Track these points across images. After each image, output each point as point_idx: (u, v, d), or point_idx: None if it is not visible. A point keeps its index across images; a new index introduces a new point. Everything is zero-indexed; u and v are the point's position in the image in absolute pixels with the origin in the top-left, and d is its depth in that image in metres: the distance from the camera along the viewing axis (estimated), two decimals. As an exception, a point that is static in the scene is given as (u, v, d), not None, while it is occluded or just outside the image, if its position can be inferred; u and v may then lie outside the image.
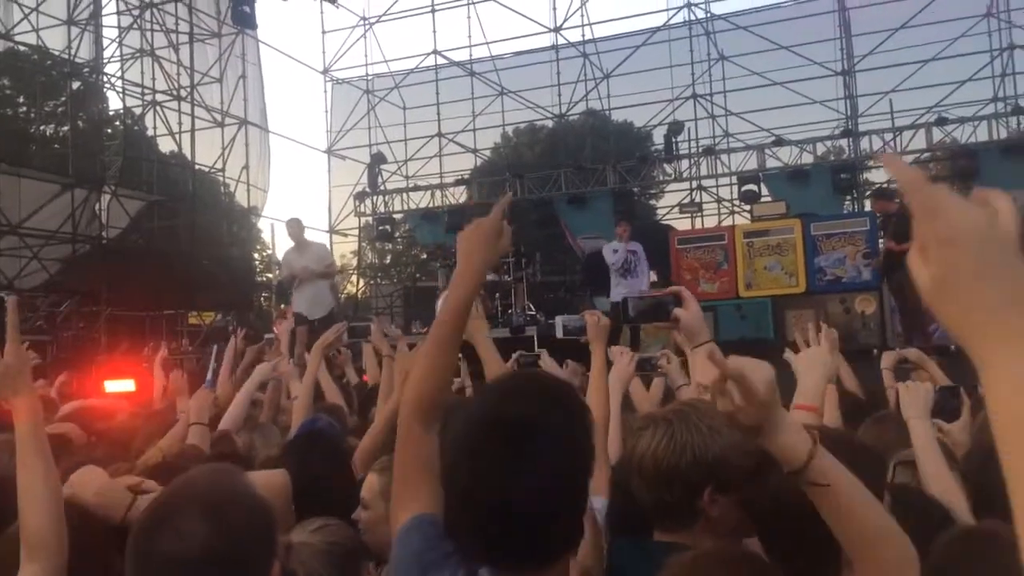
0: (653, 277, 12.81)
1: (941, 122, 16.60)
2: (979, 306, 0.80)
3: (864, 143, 17.67)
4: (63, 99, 17.75)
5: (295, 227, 10.39)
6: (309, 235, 11.26)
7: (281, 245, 24.33)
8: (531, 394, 1.50)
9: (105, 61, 17.42)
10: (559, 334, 3.40)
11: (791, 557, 1.60)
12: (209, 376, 5.88)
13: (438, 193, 20.46)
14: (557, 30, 20.49)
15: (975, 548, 1.68)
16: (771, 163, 17.42)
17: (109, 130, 18.95)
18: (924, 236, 0.84)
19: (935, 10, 17.16)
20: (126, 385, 7.34)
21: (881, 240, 10.72)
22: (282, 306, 11.87)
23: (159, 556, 1.45)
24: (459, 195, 20.41)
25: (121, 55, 17.99)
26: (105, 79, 17.71)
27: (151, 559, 1.46)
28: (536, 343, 10.83)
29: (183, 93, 17.41)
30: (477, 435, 1.45)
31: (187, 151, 17.56)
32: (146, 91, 17.66)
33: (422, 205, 20.41)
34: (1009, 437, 0.77)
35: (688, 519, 1.83)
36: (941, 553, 1.67)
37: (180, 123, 17.58)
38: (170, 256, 16.46)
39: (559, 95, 20.42)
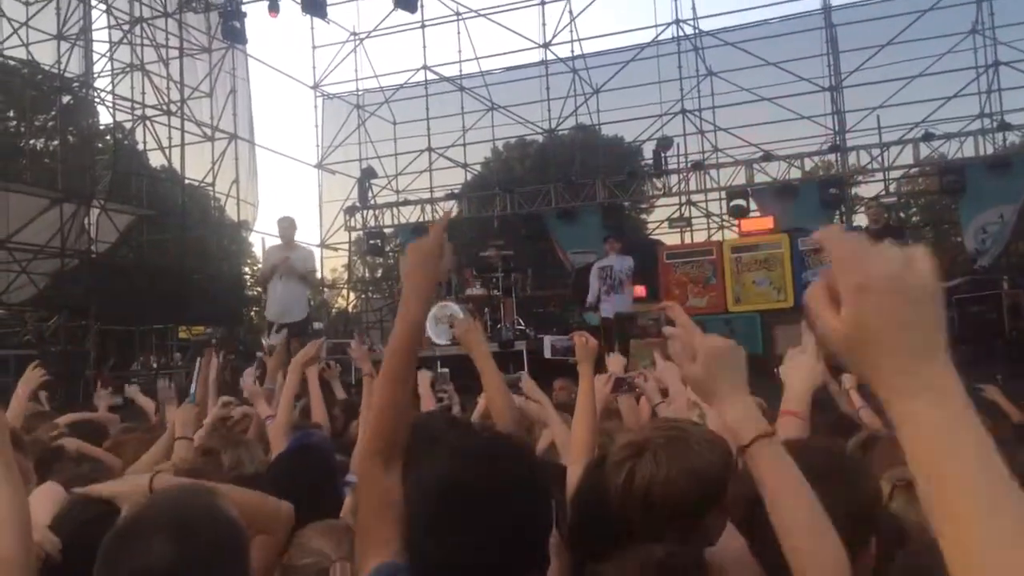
0: (642, 292, 12.83)
1: (928, 138, 16.72)
2: (891, 357, 0.81)
3: (852, 158, 17.77)
4: (53, 113, 17.73)
5: (287, 226, 10.29)
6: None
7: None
8: (487, 458, 1.51)
9: (95, 76, 17.45)
10: (547, 354, 3.40)
11: (775, 563, 1.61)
12: (192, 390, 5.86)
13: (428, 207, 20.49)
14: (546, 46, 20.59)
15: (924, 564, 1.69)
16: (759, 178, 17.50)
17: (99, 144, 18.92)
18: (840, 285, 0.84)
19: (921, 27, 17.32)
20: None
21: None
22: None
23: (125, 571, 1.45)
24: (449, 210, 20.43)
25: (111, 70, 18.02)
26: (95, 94, 17.73)
27: (117, 571, 1.46)
28: (525, 358, 10.85)
29: (173, 108, 17.44)
30: (434, 502, 1.46)
31: (177, 166, 17.58)
32: (136, 106, 17.67)
33: (412, 219, 20.43)
34: (930, 488, 0.78)
35: (686, 537, 1.83)
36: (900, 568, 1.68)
37: (170, 138, 17.61)
38: (160, 271, 16.44)
39: (548, 110, 20.50)
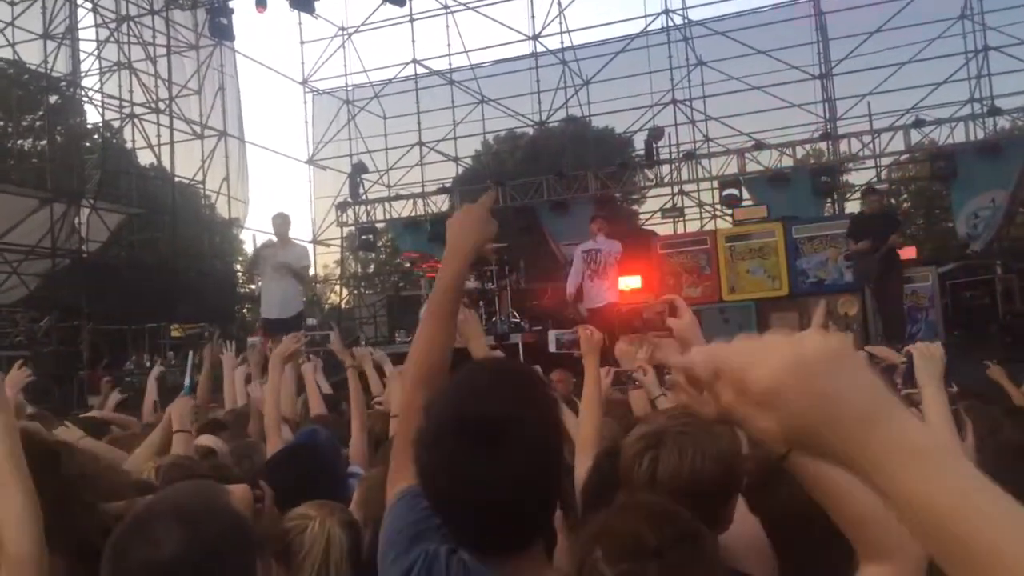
0: (637, 284, 12.81)
1: (919, 124, 16.72)
2: (840, 438, 0.77)
3: (843, 146, 17.78)
4: (40, 113, 17.63)
5: (281, 222, 10.29)
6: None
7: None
8: (499, 390, 1.50)
9: (82, 74, 17.35)
10: (552, 348, 3.39)
11: (804, 561, 1.60)
12: (187, 383, 5.84)
13: (420, 202, 20.44)
14: (536, 38, 20.54)
15: None
16: (751, 167, 17.49)
17: (87, 143, 18.83)
18: (743, 407, 0.81)
19: (910, 13, 17.31)
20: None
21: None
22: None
23: (132, 562, 1.47)
24: (441, 203, 20.37)
25: (99, 68, 17.93)
26: (82, 93, 17.63)
27: (124, 565, 1.48)
28: (521, 351, 10.83)
29: (161, 106, 17.36)
30: (447, 435, 1.45)
31: (166, 163, 17.50)
32: (124, 104, 17.57)
33: (404, 214, 20.37)
34: (930, 536, 0.75)
35: (709, 524, 1.81)
36: None
37: (159, 136, 17.53)
38: (151, 269, 16.38)
39: (539, 102, 20.46)
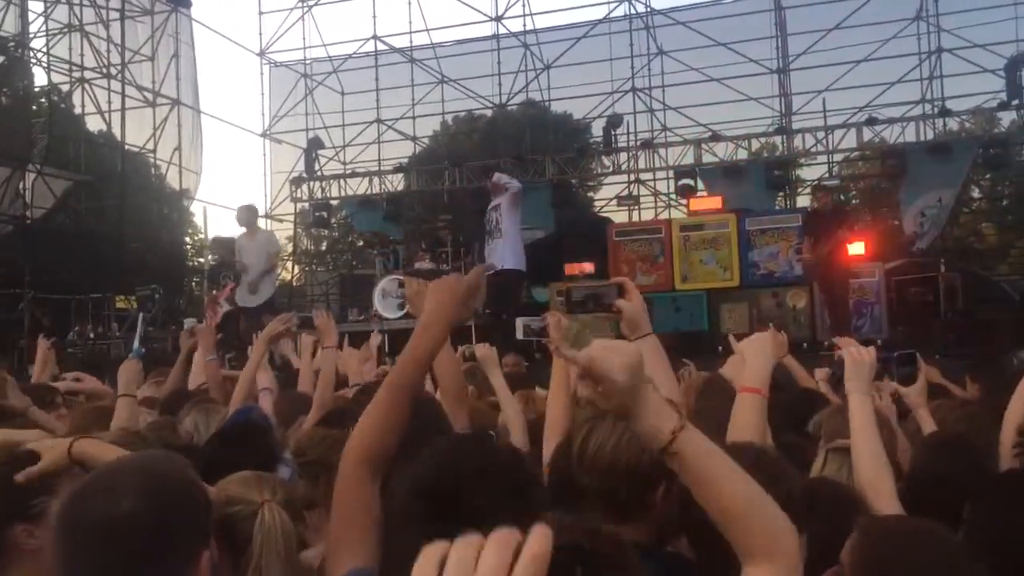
0: (589, 269, 12.83)
1: (871, 122, 17.01)
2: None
3: (797, 141, 18.02)
4: (-15, 74, 17.13)
5: (245, 214, 10.38)
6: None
7: (213, 229, 23.86)
8: (469, 463, 1.53)
9: (31, 36, 16.86)
10: (520, 335, 3.37)
11: (710, 554, 1.62)
12: (135, 345, 5.74)
13: (376, 180, 20.26)
14: (498, 19, 20.44)
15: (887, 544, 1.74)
16: (707, 158, 17.65)
17: (34, 107, 18.33)
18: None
19: (867, 12, 17.56)
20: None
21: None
22: (213, 291, 11.65)
23: (87, 518, 1.45)
24: (397, 183, 20.22)
25: (47, 30, 17.43)
26: (31, 54, 17.14)
27: (79, 522, 1.46)
28: (474, 333, 10.81)
29: (113, 71, 16.96)
30: (415, 506, 1.48)
31: (116, 131, 17.11)
32: (74, 68, 17.14)
33: (360, 191, 20.19)
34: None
35: (636, 512, 1.83)
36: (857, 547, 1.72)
37: (109, 102, 17.13)
38: (98, 238, 16.03)
39: (499, 85, 20.37)
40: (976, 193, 22.67)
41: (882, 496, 2.25)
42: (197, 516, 1.55)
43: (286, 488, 2.23)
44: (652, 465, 1.77)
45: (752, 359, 2.36)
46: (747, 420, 2.24)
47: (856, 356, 2.52)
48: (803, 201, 17.91)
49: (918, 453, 2.72)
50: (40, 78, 18.64)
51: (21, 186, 14.46)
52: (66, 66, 17.13)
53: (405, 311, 9.19)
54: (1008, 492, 2.20)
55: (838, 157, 19.27)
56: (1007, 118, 17.10)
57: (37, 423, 3.71)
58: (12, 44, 16.32)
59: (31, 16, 16.75)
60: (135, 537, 1.44)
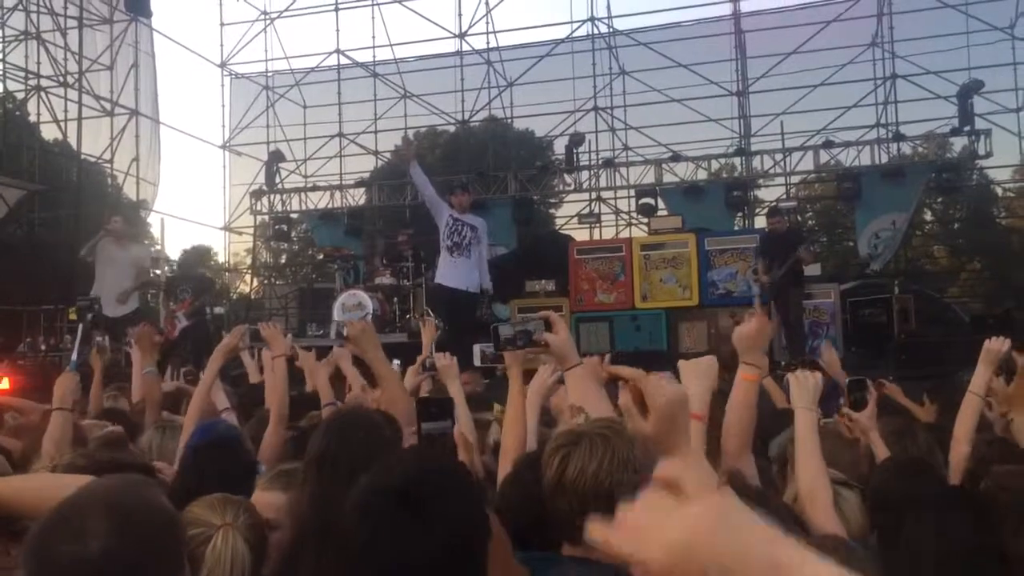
0: (549, 286, 12.88)
1: (828, 145, 17.32)
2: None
3: (756, 162, 18.28)
4: (-63, 79, 16.79)
5: (123, 224, 10.33)
6: (201, 231, 10.98)
7: (171, 241, 23.50)
8: (424, 465, 1.65)
9: (-14, 42, 16.58)
10: (477, 362, 3.37)
11: None
12: (73, 357, 5.63)
13: (337, 194, 20.16)
14: (462, 36, 20.50)
15: None
16: (668, 178, 17.83)
17: (-13, 114, 18.00)
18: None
19: (825, 37, 17.95)
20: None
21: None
22: (171, 304, 11.50)
23: (57, 556, 1.38)
24: (358, 197, 20.14)
25: (2, 36, 17.14)
26: (-15, 61, 16.84)
27: (48, 557, 1.39)
28: (433, 348, 10.77)
29: (70, 79, 16.69)
30: (373, 501, 1.56)
31: (72, 140, 16.82)
32: (30, 76, 16.85)
33: (321, 205, 20.07)
34: None
35: None
36: None
37: (66, 111, 16.85)
38: (51, 248, 15.73)
39: (462, 101, 20.42)
40: (928, 216, 23.15)
41: (818, 508, 2.33)
42: (171, 547, 1.50)
43: (252, 511, 2.21)
44: (632, 485, 1.79)
45: (690, 383, 2.40)
46: None
47: (801, 379, 2.67)
48: (761, 222, 18.11)
49: (875, 476, 2.77)
50: (-6, 85, 18.32)
51: (-28, 194, 14.17)
52: (22, 73, 16.86)
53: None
54: (941, 508, 2.28)
55: (795, 179, 19.61)
56: (959, 143, 17.49)
57: None
58: (-34, 50, 16.04)
59: (-14, 22, 16.51)
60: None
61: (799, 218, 22.72)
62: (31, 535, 1.43)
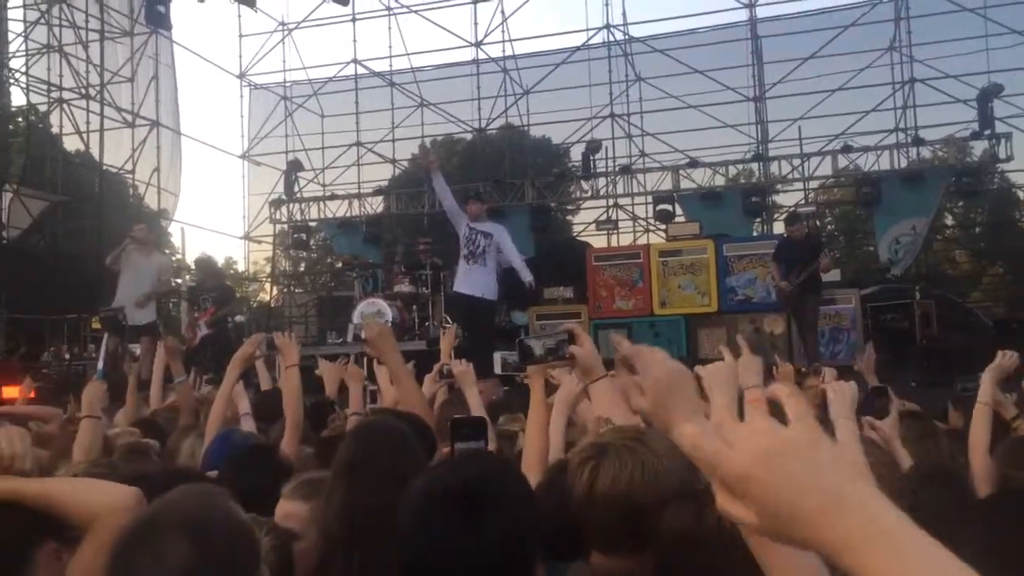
0: (568, 294, 12.88)
1: (846, 150, 17.27)
2: (808, 529, 0.79)
3: (774, 168, 18.24)
4: (-38, 93, 17.01)
5: (146, 232, 10.41)
6: (222, 241, 11.10)
7: (191, 250, 23.80)
8: (477, 468, 1.71)
9: (9, 55, 16.78)
10: (497, 370, 3.40)
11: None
12: (100, 366, 5.73)
13: (356, 202, 20.27)
14: (478, 45, 20.59)
15: None
16: (685, 184, 17.82)
17: (11, 127, 18.21)
18: (721, 484, 0.84)
19: (842, 42, 17.89)
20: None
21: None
22: (195, 313, 11.58)
23: (135, 573, 1.39)
24: (376, 205, 20.25)
25: (26, 50, 17.35)
26: (8, 74, 17.05)
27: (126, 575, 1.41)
28: (452, 355, 10.80)
29: (92, 92, 16.87)
30: (430, 504, 1.61)
31: (95, 151, 17.01)
32: (52, 88, 17.05)
33: (339, 214, 20.19)
34: None
35: (644, 544, 1.83)
36: None
37: (88, 122, 17.03)
38: (74, 259, 15.89)
39: (479, 109, 20.51)
40: (949, 221, 23.02)
41: None
42: (247, 559, 1.50)
43: (276, 532, 2.23)
44: (661, 501, 1.82)
45: (713, 394, 2.39)
46: None
47: (837, 388, 2.64)
48: (780, 227, 18.11)
49: (903, 486, 2.75)
50: (18, 98, 18.55)
51: (-3, 206, 14.35)
52: (44, 86, 17.05)
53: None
54: (995, 512, 2.26)
55: (814, 184, 19.54)
56: (979, 147, 17.38)
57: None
58: (-10, 64, 16.25)
59: (10, 36, 16.71)
60: None
61: (818, 223, 22.63)
62: (112, 551, 1.44)
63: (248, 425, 4.13)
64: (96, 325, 16.81)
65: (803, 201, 19.17)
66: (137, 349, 9.14)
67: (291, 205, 20.34)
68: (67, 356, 14.38)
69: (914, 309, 11.83)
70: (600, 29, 19.69)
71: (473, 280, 9.62)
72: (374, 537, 2.08)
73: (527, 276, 9.78)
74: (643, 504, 1.81)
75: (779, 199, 20.62)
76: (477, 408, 3.90)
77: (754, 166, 19.25)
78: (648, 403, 1.39)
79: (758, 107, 19.09)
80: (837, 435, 2.54)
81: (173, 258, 21.33)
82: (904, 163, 17.04)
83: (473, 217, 10.00)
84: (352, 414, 4.43)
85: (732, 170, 18.67)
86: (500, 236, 9.92)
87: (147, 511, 1.52)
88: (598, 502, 1.84)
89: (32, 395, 6.83)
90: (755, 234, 16.74)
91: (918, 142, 17.35)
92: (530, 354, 2.54)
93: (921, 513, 2.24)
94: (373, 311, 11.31)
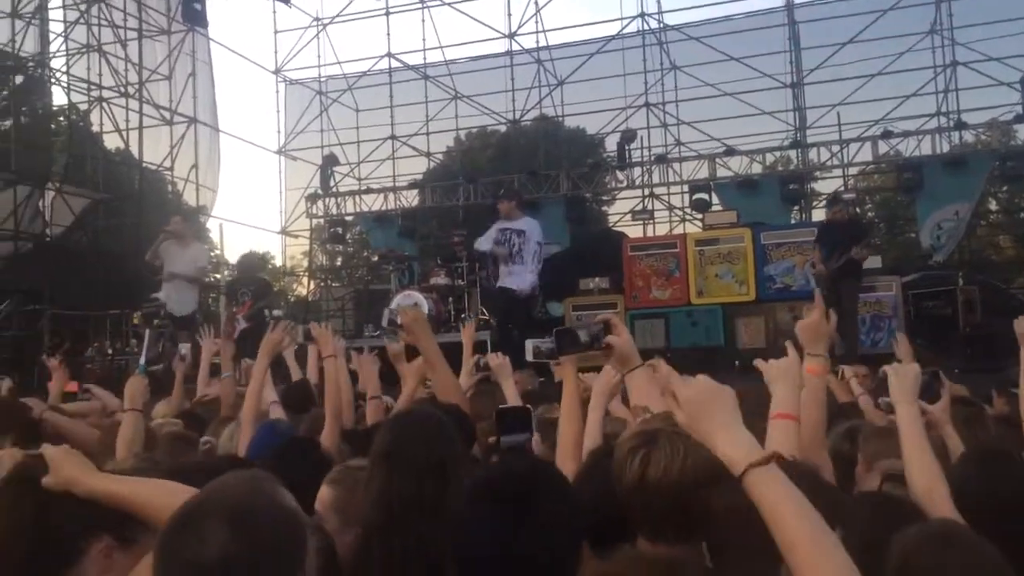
0: (604, 284, 12.81)
1: (886, 135, 16.98)
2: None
3: (812, 155, 18.00)
4: (5, 93, 17.31)
5: (183, 224, 10.58)
6: (260, 236, 11.23)
7: (229, 246, 24.02)
8: (530, 466, 1.85)
9: (50, 55, 17.06)
10: (529, 357, 3.39)
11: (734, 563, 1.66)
12: (142, 361, 5.82)
13: (391, 196, 20.35)
14: (512, 36, 20.54)
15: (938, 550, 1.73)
16: (721, 172, 17.65)
17: (53, 126, 18.52)
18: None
19: (881, 26, 17.58)
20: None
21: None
22: (233, 308, 11.71)
23: (179, 559, 1.40)
24: (412, 198, 20.32)
25: (67, 50, 17.62)
26: (50, 73, 17.34)
27: (172, 562, 1.42)
28: (489, 348, 10.81)
29: (131, 90, 17.10)
30: (481, 499, 1.72)
31: (134, 149, 17.25)
32: (92, 87, 17.30)
33: (375, 208, 20.28)
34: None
35: (695, 531, 1.84)
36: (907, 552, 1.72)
37: (127, 120, 17.26)
38: (116, 255, 16.13)
39: (513, 100, 20.46)
40: (993, 206, 22.55)
41: (939, 504, 2.24)
42: (291, 547, 1.48)
43: (319, 534, 2.23)
44: (718, 480, 1.81)
45: (778, 386, 2.39)
46: (781, 447, 2.26)
47: (900, 370, 2.59)
48: (819, 215, 17.87)
49: (962, 470, 2.66)
50: (59, 97, 18.85)
51: (41, 204, 14.60)
52: (84, 85, 17.30)
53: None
54: None
55: (853, 171, 19.24)
56: (1023, 131, 17.02)
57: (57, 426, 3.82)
58: (32, 64, 16.52)
59: (51, 36, 16.97)
60: None
61: (858, 210, 22.29)
62: (160, 537, 1.45)
63: (277, 413, 4.15)
64: (136, 321, 17.09)
65: (843, 188, 18.88)
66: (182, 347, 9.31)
67: (327, 199, 20.48)
68: (110, 351, 14.61)
69: (957, 295, 11.61)
70: (634, 18, 19.57)
71: (514, 279, 9.89)
72: (413, 524, 2.08)
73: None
74: (695, 490, 1.81)
75: (818, 186, 20.34)
76: (514, 399, 3.89)
77: (792, 153, 19.00)
78: (683, 417, 1.66)
79: (796, 93, 18.84)
80: (899, 420, 2.48)
81: (212, 253, 21.61)
82: (946, 148, 16.73)
83: (505, 215, 10.05)
84: (372, 398, 4.46)
85: (769, 157, 18.44)
86: (532, 230, 10.04)
87: (194, 498, 1.50)
88: (650, 489, 1.83)
89: (75, 388, 6.95)
90: (793, 222, 16.52)
91: (960, 126, 17.02)
92: (574, 341, 2.53)
93: (973, 498, 2.17)
94: (410, 303, 11.33)
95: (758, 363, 2.52)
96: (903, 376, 2.58)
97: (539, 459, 2.25)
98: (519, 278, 9.84)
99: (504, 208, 10.27)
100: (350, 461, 2.76)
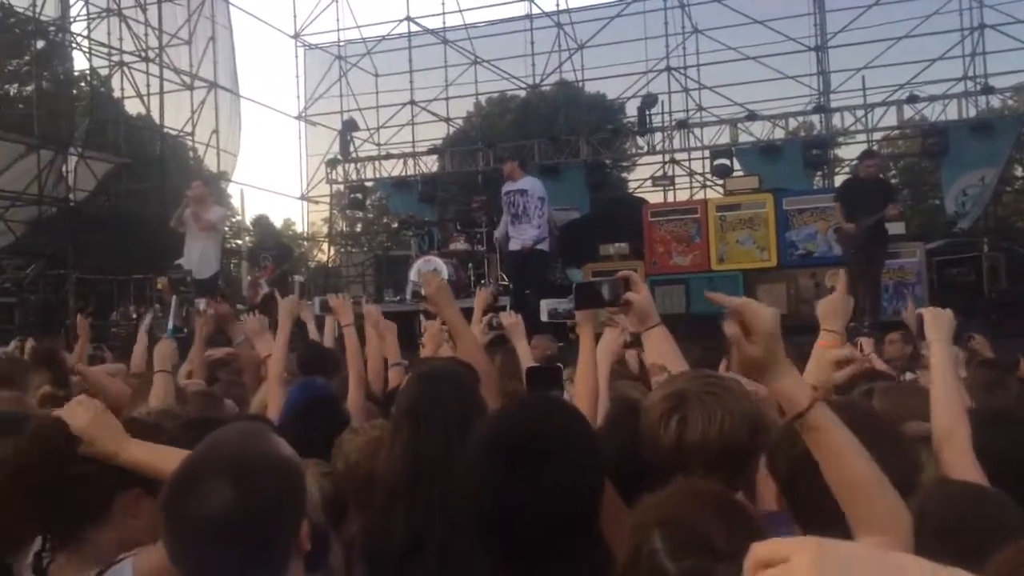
0: (624, 249, 12.77)
1: (912, 99, 16.74)
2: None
3: (836, 119, 17.78)
4: (27, 58, 17.36)
5: (202, 188, 10.61)
6: (281, 201, 11.28)
7: (250, 211, 24.11)
8: (545, 416, 1.72)
9: (71, 20, 17.08)
10: (544, 318, 3.39)
11: (809, 512, 1.66)
12: (169, 326, 5.86)
13: (411, 161, 20.33)
14: (532, -1, 20.34)
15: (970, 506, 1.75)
16: (743, 137, 17.50)
17: (75, 91, 18.58)
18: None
19: (908, -12, 17.28)
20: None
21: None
22: (255, 272, 11.78)
23: (183, 517, 1.45)
24: (431, 164, 20.28)
25: (88, 14, 17.64)
26: (71, 38, 17.36)
27: (176, 520, 1.47)
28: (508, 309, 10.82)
29: (151, 55, 17.12)
30: (493, 456, 1.65)
31: (155, 114, 17.31)
32: (113, 52, 17.33)
33: (394, 173, 20.27)
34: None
35: (730, 486, 1.82)
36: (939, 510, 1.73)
37: (148, 85, 17.30)
38: (137, 220, 16.25)
39: (532, 65, 20.32)
40: (1019, 172, 22.24)
41: (955, 449, 2.21)
42: (291, 495, 1.53)
43: (320, 464, 2.31)
44: (756, 439, 1.85)
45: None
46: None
47: (936, 311, 2.59)
48: (841, 180, 17.69)
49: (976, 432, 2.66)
50: (80, 62, 18.91)
51: (64, 169, 14.69)
52: (105, 50, 17.33)
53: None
54: None
55: (878, 136, 19.00)
56: (1052, 95, 16.74)
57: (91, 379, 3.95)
58: (53, 28, 16.56)
59: (71, 1, 16.98)
60: (232, 535, 1.43)
61: (882, 175, 22.05)
62: (162, 494, 1.50)
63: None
64: (159, 286, 17.23)
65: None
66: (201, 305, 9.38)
67: (347, 165, 20.48)
68: (134, 316, 14.74)
69: (982, 262, 11.50)
70: (656, -20, 19.29)
71: (522, 238, 9.97)
72: (438, 479, 2.10)
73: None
74: (740, 443, 1.83)
75: (841, 152, 20.13)
76: (527, 360, 3.90)
77: (815, 118, 18.77)
78: (760, 351, 1.49)
79: (820, 57, 18.59)
80: (931, 358, 2.49)
81: (233, 218, 21.70)
82: (973, 112, 16.49)
83: (508, 176, 10.24)
84: (394, 365, 4.48)
85: (792, 122, 18.23)
86: (535, 189, 10.09)
87: (192, 456, 1.55)
88: (690, 451, 1.82)
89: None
90: (816, 187, 16.37)
91: (987, 90, 16.76)
92: (595, 296, 2.53)
93: (984, 457, 2.15)
94: (430, 268, 11.35)
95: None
96: (939, 316, 2.57)
97: (555, 400, 2.15)
98: (526, 235, 9.95)
99: (508, 168, 10.40)
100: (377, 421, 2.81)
